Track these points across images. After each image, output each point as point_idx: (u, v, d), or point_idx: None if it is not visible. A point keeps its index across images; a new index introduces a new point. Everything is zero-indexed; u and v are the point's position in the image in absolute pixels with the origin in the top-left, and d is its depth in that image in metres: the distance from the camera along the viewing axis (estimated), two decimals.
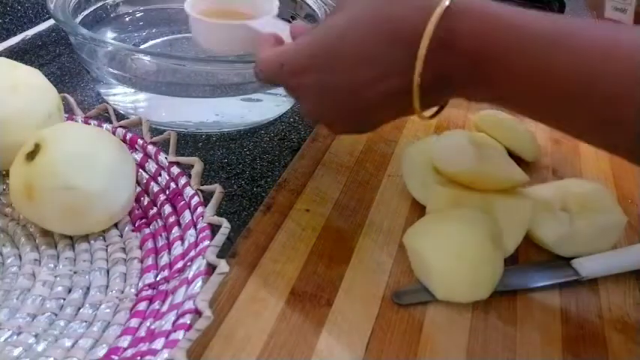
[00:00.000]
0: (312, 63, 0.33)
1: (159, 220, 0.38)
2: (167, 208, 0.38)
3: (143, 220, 0.38)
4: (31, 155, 0.34)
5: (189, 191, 0.37)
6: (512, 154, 0.47)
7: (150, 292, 0.33)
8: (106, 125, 0.43)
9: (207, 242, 0.33)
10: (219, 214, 0.35)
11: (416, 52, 0.28)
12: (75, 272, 0.34)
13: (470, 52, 0.28)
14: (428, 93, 0.30)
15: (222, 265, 0.30)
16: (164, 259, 0.35)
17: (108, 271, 0.35)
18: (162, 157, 0.41)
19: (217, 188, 0.36)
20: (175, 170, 0.39)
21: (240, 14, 0.49)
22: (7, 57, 0.41)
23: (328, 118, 0.35)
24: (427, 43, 0.28)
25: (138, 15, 0.63)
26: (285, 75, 0.34)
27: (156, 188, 0.39)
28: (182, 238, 0.35)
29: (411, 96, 0.30)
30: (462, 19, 0.28)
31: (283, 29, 0.41)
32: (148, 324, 0.30)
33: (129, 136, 0.43)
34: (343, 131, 0.37)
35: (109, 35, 0.59)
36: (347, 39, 0.31)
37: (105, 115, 0.44)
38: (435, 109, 0.34)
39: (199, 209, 0.35)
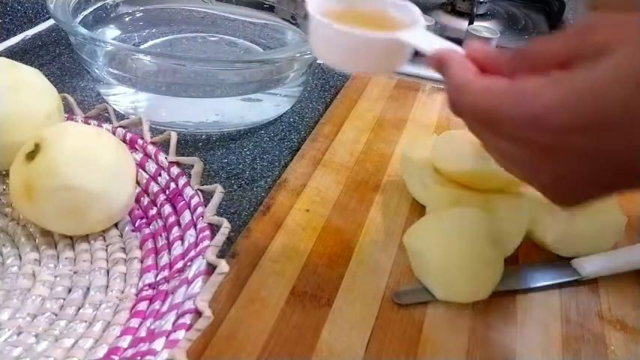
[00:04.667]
0: (584, 122, 0.25)
1: (159, 220, 0.38)
2: (167, 208, 0.38)
3: (143, 220, 0.38)
4: (31, 155, 0.34)
5: (189, 191, 0.37)
6: None
7: (150, 292, 0.33)
8: (106, 125, 0.43)
9: (207, 242, 0.33)
10: (219, 214, 0.35)
11: None
12: (75, 272, 0.34)
13: None
14: None
15: (222, 265, 0.30)
16: (164, 259, 0.35)
17: (108, 271, 0.35)
18: (162, 157, 0.41)
19: (217, 188, 0.36)
20: (175, 170, 0.39)
21: (365, 17, 0.35)
22: (7, 57, 0.41)
23: (586, 189, 0.27)
24: None
25: (138, 15, 0.63)
26: (540, 131, 0.25)
27: (156, 188, 0.39)
28: (182, 238, 0.35)
29: None
30: None
31: (445, 46, 0.30)
32: (148, 324, 0.30)
33: (129, 136, 0.43)
34: (586, 203, 0.29)
35: (109, 35, 0.59)
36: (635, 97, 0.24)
37: (105, 115, 0.44)
38: None
39: (199, 209, 0.35)
